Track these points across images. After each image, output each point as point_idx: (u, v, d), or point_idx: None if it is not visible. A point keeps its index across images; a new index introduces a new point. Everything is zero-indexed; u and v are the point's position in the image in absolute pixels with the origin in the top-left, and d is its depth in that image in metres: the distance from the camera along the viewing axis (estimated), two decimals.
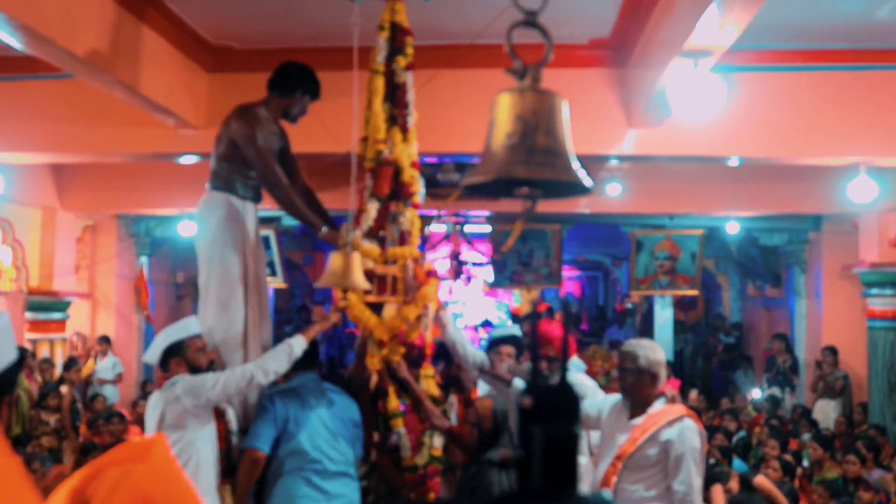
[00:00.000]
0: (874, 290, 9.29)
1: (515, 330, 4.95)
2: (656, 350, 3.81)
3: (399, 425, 4.15)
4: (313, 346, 4.01)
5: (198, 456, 3.59)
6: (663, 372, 3.81)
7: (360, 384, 4.22)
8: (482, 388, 4.74)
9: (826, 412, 9.64)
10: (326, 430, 3.85)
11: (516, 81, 1.66)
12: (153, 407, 3.66)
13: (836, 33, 5.68)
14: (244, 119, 4.08)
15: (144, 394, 9.82)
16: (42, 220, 9.60)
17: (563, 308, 15.73)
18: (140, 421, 6.75)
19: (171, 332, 3.87)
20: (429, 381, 4.32)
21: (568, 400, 1.16)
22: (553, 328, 4.40)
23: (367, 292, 3.94)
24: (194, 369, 3.75)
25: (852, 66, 6.02)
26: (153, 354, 3.82)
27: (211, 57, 6.31)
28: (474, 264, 13.60)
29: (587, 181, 1.65)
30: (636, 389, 3.77)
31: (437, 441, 4.20)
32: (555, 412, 1.14)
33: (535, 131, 1.58)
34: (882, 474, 6.85)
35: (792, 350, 10.93)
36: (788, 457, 6.99)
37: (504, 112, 1.65)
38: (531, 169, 1.56)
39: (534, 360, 1.40)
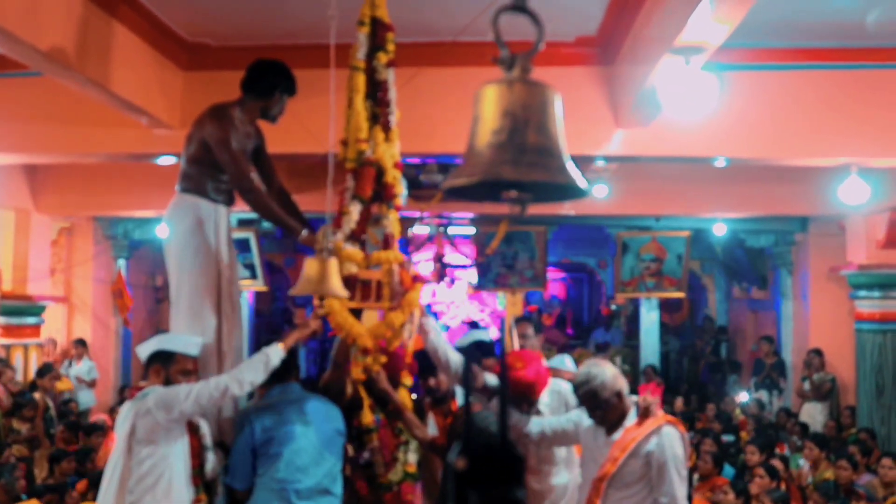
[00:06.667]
0: (862, 293, 9.25)
1: (480, 334, 4.78)
2: (605, 368, 3.70)
3: (373, 440, 3.98)
4: (292, 355, 3.83)
5: (170, 472, 3.43)
6: (624, 383, 3.73)
7: (337, 392, 4.04)
8: (461, 397, 4.55)
9: (813, 415, 9.58)
10: (311, 445, 3.66)
11: (503, 72, 1.50)
12: (123, 419, 3.51)
13: (828, 31, 5.57)
14: (218, 121, 3.91)
15: (122, 399, 9.64)
16: (15, 223, 9.37)
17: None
18: None
19: (171, 339, 3.73)
20: (403, 392, 4.15)
21: (509, 460, 0.98)
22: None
23: (350, 298, 3.76)
24: (168, 385, 3.58)
25: (845, 65, 5.92)
26: (144, 350, 3.67)
27: (186, 54, 6.12)
28: (458, 267, 13.43)
29: (582, 183, 1.49)
30: (607, 416, 3.71)
31: (412, 457, 4.03)
32: (493, 474, 0.95)
33: (526, 127, 1.40)
34: (870, 479, 6.78)
35: (779, 353, 10.86)
36: (777, 461, 6.89)
37: (490, 106, 1.46)
38: (521, 170, 1.38)
39: (466, 415, 1.21)
